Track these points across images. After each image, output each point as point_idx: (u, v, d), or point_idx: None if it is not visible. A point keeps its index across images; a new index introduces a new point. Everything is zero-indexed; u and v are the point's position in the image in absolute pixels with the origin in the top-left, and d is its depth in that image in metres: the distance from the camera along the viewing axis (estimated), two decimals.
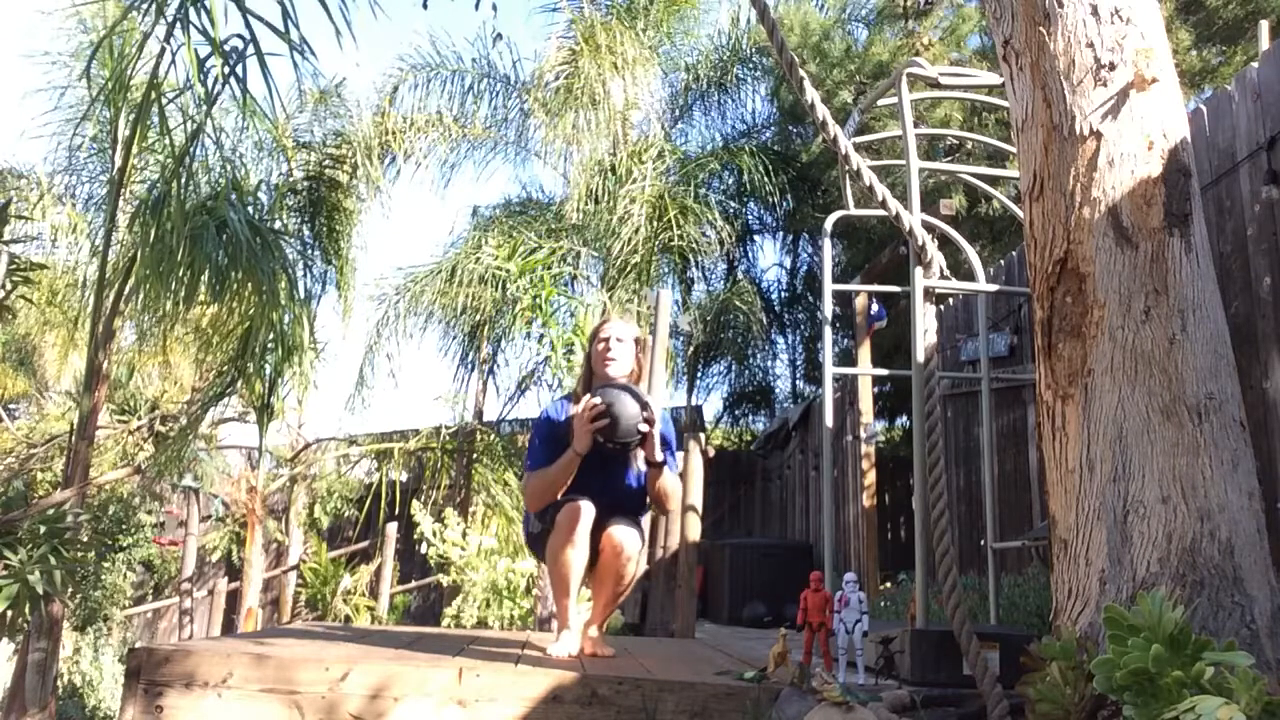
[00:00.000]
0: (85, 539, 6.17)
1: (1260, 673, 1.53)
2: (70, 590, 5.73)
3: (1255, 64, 3.88)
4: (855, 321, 7.78)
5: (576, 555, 3.01)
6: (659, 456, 3.10)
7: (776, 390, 12.85)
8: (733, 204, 11.37)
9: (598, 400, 3.01)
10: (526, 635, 4.23)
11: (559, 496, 3.09)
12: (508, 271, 8.84)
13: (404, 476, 10.98)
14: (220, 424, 11.40)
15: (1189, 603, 1.94)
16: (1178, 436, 2.07)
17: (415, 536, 9.75)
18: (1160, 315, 2.14)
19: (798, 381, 12.55)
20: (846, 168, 2.92)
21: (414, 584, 11.42)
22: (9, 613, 4.87)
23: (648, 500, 3.26)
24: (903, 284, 3.20)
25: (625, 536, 3.07)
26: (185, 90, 6.23)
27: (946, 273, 2.87)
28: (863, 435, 7.62)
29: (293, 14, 4.67)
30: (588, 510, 3.01)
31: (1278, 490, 3.55)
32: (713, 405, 13.30)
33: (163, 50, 5.30)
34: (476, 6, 5.15)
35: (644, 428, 3.02)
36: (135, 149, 6.71)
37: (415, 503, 9.96)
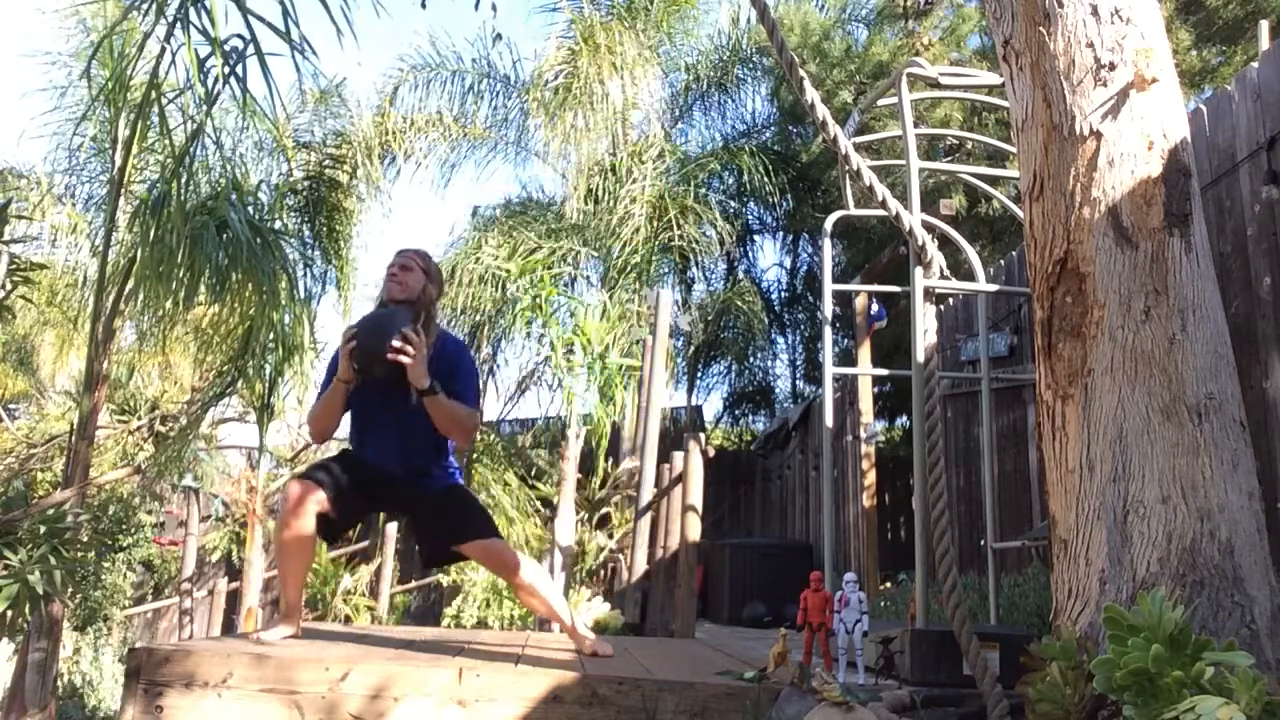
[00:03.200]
0: (85, 539, 6.16)
1: (1260, 673, 1.53)
2: (70, 590, 5.73)
3: (1255, 64, 3.88)
4: (855, 321, 7.78)
5: (291, 537, 3.05)
6: (422, 384, 2.98)
7: (776, 390, 12.86)
8: (733, 204, 11.37)
9: (352, 328, 3.07)
10: (526, 635, 4.23)
11: (326, 426, 3.15)
12: (508, 271, 8.85)
13: None
14: (220, 424, 11.40)
15: (1189, 603, 1.94)
16: (1178, 436, 2.07)
17: None
18: (1160, 315, 2.14)
19: (798, 381, 12.56)
20: (846, 168, 2.92)
21: (414, 584, 11.41)
22: (9, 613, 4.87)
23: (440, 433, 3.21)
24: (903, 284, 3.20)
25: (491, 547, 3.13)
26: (185, 90, 6.23)
27: (946, 273, 2.87)
28: (863, 435, 7.61)
29: (293, 13, 4.67)
30: (310, 497, 3.03)
31: (1278, 490, 3.54)
32: (713, 405, 13.32)
33: (163, 50, 5.29)
34: (476, 6, 5.15)
35: (398, 357, 2.94)
36: (135, 149, 6.71)
37: None
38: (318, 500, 3.01)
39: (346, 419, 3.24)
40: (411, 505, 3.25)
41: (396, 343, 2.94)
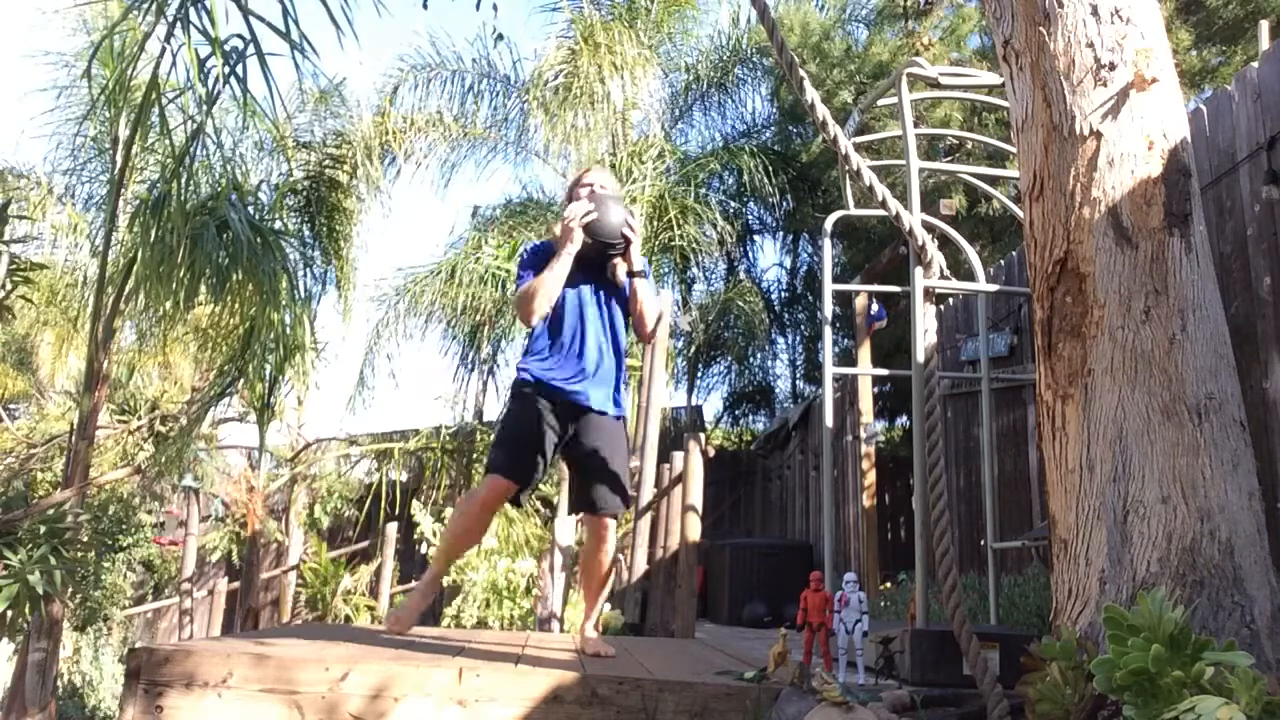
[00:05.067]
0: (85, 539, 6.17)
1: (1260, 673, 1.53)
2: (70, 590, 5.73)
3: (1255, 64, 3.88)
4: (855, 321, 7.78)
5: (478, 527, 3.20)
6: (638, 265, 3.24)
7: (776, 390, 12.86)
8: (733, 204, 11.38)
9: (586, 201, 3.20)
10: (526, 635, 4.23)
11: (551, 299, 3.17)
12: (507, 271, 8.84)
13: (404, 476, 10.99)
14: (220, 424, 11.41)
15: (1189, 603, 1.94)
16: (1178, 436, 2.07)
17: (415, 536, 9.76)
18: (1160, 315, 2.14)
19: (798, 381, 12.56)
20: (846, 168, 2.92)
21: (414, 584, 11.41)
22: (9, 613, 4.87)
23: (624, 333, 3.36)
24: (903, 284, 3.20)
25: (612, 526, 3.20)
26: (185, 90, 6.23)
27: (946, 273, 2.87)
28: (863, 435, 7.61)
29: (293, 13, 4.67)
30: (503, 491, 3.11)
31: (1278, 490, 3.55)
32: (713, 405, 13.32)
33: (163, 50, 5.29)
34: (478, 6, 5.15)
35: (628, 232, 3.19)
36: (136, 149, 6.71)
37: (415, 503, 9.97)
38: (510, 494, 3.15)
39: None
40: (589, 436, 3.23)
41: (630, 220, 3.21)
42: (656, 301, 3.33)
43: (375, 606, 10.44)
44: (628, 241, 3.21)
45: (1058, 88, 2.30)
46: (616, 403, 3.28)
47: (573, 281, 3.20)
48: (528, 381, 3.21)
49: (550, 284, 3.14)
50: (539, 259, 3.26)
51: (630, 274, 3.26)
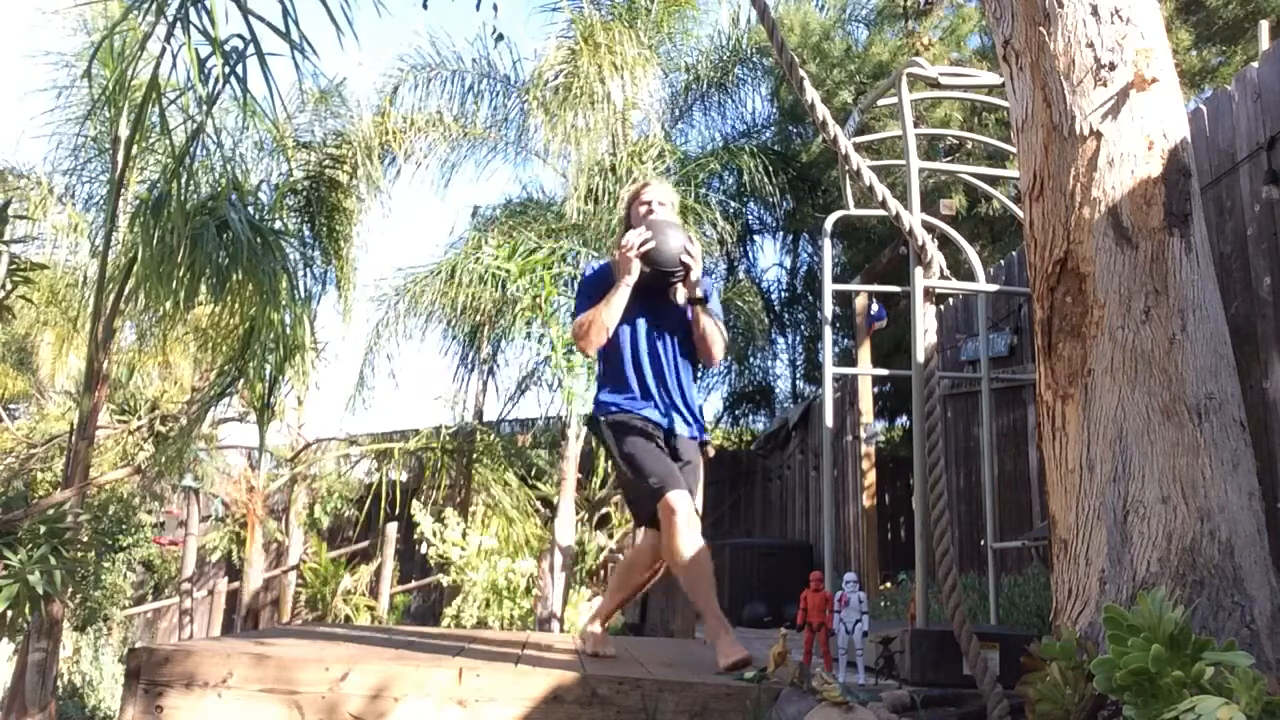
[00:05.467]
0: (85, 539, 6.17)
1: (1260, 673, 1.53)
2: (70, 590, 5.73)
3: (1255, 64, 3.88)
4: (855, 321, 7.78)
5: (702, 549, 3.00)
6: (700, 290, 3.19)
7: (776, 390, 12.84)
8: (733, 204, 11.36)
9: (644, 229, 3.12)
10: (526, 635, 4.23)
11: (608, 331, 3.11)
12: (508, 271, 8.85)
13: (404, 476, 10.98)
14: (220, 424, 11.41)
15: (1189, 603, 1.94)
16: (1178, 436, 2.07)
17: (415, 536, 9.76)
18: (1160, 315, 2.14)
19: (798, 381, 12.55)
20: (846, 168, 2.92)
21: (414, 584, 11.42)
22: (9, 613, 4.87)
23: (694, 355, 3.29)
24: (903, 284, 3.20)
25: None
26: (186, 90, 6.22)
27: (946, 273, 2.87)
28: (863, 435, 7.61)
29: (293, 13, 4.67)
30: (688, 502, 2.98)
31: (1278, 490, 3.55)
32: (713, 405, 13.29)
33: (163, 50, 5.29)
34: (478, 6, 5.15)
35: (687, 259, 3.12)
36: (136, 149, 6.71)
37: (415, 503, 9.97)
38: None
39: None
40: (678, 454, 3.19)
41: (690, 246, 3.14)
42: (717, 327, 3.25)
43: (375, 606, 10.44)
44: (687, 268, 3.14)
45: (1058, 88, 2.29)
46: (700, 425, 3.27)
47: (638, 309, 3.15)
48: (616, 412, 3.17)
49: (608, 317, 3.11)
50: (596, 287, 3.21)
51: (691, 300, 3.20)
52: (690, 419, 3.24)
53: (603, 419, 3.19)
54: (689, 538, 2.95)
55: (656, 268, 3.12)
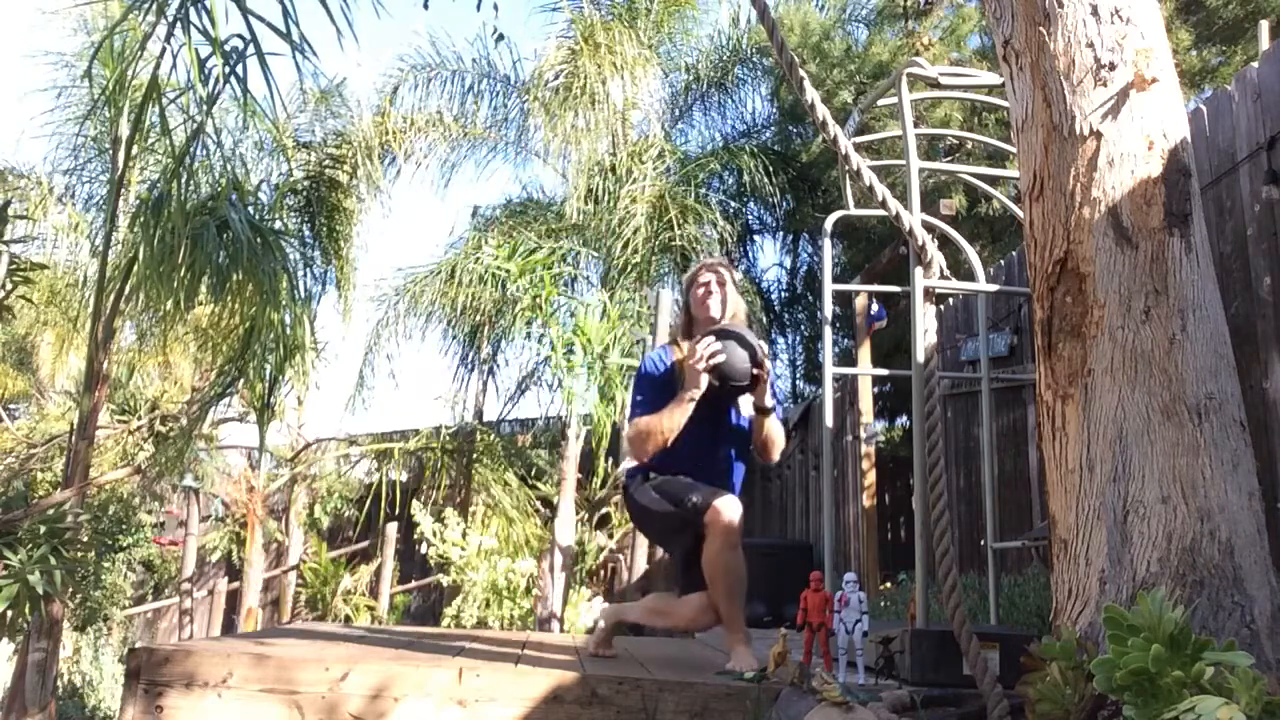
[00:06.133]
0: (85, 539, 6.16)
1: (1260, 673, 1.53)
2: (70, 590, 5.73)
3: (1255, 64, 3.88)
4: (855, 321, 7.78)
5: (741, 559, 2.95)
6: (769, 402, 3.10)
7: (776, 390, 12.83)
8: (733, 204, 11.36)
9: (712, 340, 2.99)
10: (526, 635, 4.23)
11: (668, 444, 3.01)
12: (508, 271, 8.84)
13: (404, 476, 10.98)
14: (220, 424, 11.40)
15: (1189, 603, 1.94)
16: (1178, 436, 2.07)
17: (415, 536, 9.76)
18: (1160, 315, 2.14)
19: (798, 381, 12.54)
20: (846, 168, 2.92)
21: (414, 584, 11.42)
22: (9, 613, 4.87)
23: (750, 458, 3.24)
24: (903, 284, 3.20)
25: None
26: (186, 90, 6.23)
27: (946, 273, 2.87)
28: (863, 435, 7.61)
29: (293, 13, 4.67)
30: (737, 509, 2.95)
31: (1278, 490, 3.54)
32: None
33: (163, 50, 5.29)
34: (478, 7, 5.16)
35: (756, 370, 3.02)
36: (136, 149, 6.71)
37: (415, 503, 9.97)
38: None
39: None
40: None
41: (761, 359, 3.01)
42: (781, 431, 3.18)
43: (375, 606, 10.44)
44: (756, 379, 3.04)
45: (1058, 88, 2.29)
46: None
47: (698, 416, 3.02)
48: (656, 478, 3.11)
49: (670, 431, 3.00)
50: (654, 388, 3.12)
51: (758, 409, 3.10)
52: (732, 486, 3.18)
53: (639, 474, 3.12)
54: (732, 544, 2.91)
55: (726, 382, 3.02)
